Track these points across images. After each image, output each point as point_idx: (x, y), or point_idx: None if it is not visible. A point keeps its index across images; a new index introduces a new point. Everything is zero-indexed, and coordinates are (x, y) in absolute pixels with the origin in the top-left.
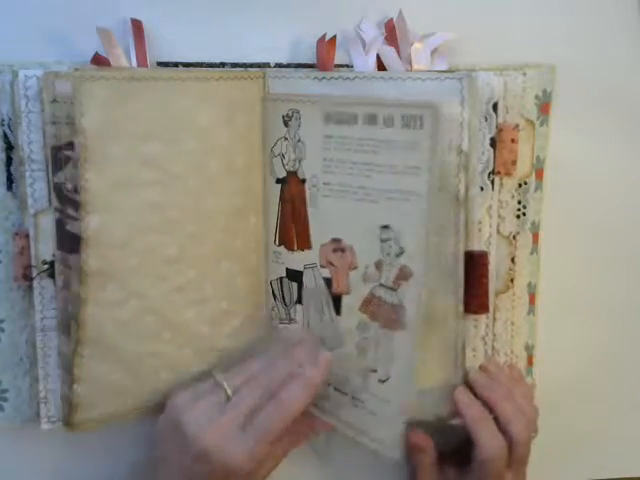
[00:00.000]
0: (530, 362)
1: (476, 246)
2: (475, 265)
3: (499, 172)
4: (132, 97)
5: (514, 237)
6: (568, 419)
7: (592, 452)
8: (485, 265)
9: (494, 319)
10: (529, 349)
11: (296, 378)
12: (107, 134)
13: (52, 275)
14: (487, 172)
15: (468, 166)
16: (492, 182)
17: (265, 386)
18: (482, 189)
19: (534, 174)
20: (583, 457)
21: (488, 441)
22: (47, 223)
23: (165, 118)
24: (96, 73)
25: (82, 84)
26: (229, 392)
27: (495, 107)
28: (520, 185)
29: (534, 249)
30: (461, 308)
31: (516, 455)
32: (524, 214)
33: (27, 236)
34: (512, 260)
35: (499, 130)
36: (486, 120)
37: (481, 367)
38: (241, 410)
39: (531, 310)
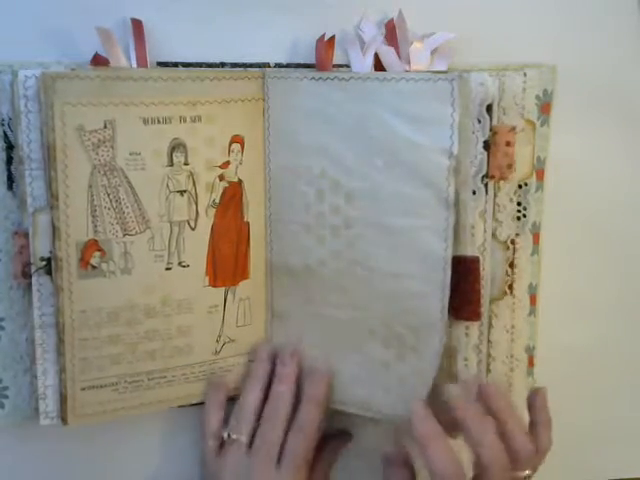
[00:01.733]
0: (531, 363)
1: (469, 251)
2: (467, 270)
3: (493, 176)
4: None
5: (512, 240)
6: (568, 419)
7: (592, 452)
8: (477, 270)
9: (490, 325)
10: (530, 350)
11: (304, 401)
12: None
13: (50, 272)
14: (480, 176)
15: (459, 169)
16: (485, 186)
17: (273, 418)
18: (474, 193)
19: (535, 175)
20: (583, 457)
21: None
22: (45, 221)
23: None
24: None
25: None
26: (245, 441)
27: (489, 109)
28: (520, 186)
29: (535, 250)
30: (446, 314)
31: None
32: (524, 215)
33: (26, 235)
34: (509, 265)
35: (493, 133)
36: (479, 122)
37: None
38: (267, 450)
39: (532, 311)
